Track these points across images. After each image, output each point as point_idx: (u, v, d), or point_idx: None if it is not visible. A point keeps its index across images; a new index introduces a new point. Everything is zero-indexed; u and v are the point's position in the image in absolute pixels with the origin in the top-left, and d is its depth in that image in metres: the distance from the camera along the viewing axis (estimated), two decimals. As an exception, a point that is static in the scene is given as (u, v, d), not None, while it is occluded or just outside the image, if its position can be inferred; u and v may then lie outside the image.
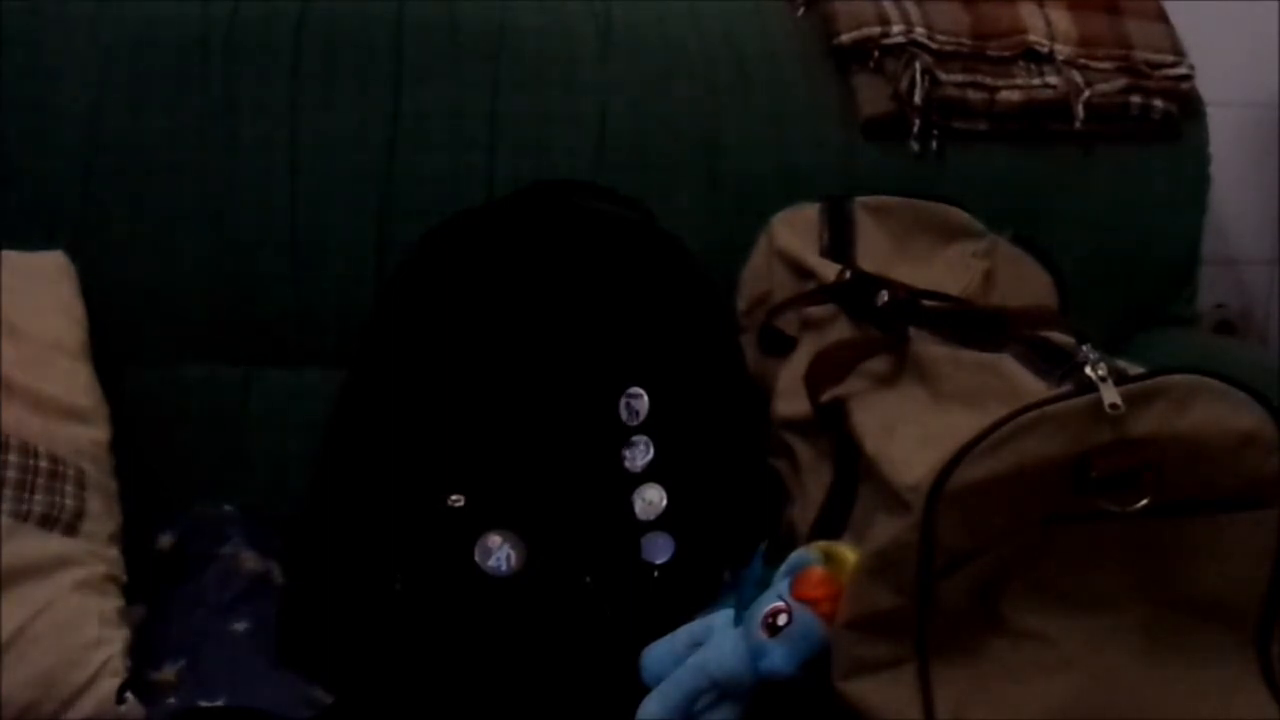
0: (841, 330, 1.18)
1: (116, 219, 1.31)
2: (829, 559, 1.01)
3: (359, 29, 1.35)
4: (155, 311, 1.33)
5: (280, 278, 1.34)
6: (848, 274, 1.21)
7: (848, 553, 1.00)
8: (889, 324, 1.13)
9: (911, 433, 1.01)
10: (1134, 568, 0.95)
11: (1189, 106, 1.50)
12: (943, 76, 1.41)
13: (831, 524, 1.08)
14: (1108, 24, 1.48)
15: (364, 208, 1.34)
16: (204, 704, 1.02)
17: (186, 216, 1.32)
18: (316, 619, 1.11)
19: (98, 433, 1.12)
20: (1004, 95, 1.43)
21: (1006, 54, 1.44)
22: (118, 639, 1.02)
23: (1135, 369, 0.97)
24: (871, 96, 1.42)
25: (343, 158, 1.34)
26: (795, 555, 1.03)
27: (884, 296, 1.15)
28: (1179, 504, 0.94)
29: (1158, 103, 1.47)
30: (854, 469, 1.07)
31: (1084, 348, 0.98)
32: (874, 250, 1.26)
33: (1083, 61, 1.45)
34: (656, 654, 1.05)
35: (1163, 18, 1.51)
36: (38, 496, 1.03)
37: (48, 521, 1.03)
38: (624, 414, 1.18)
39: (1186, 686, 0.96)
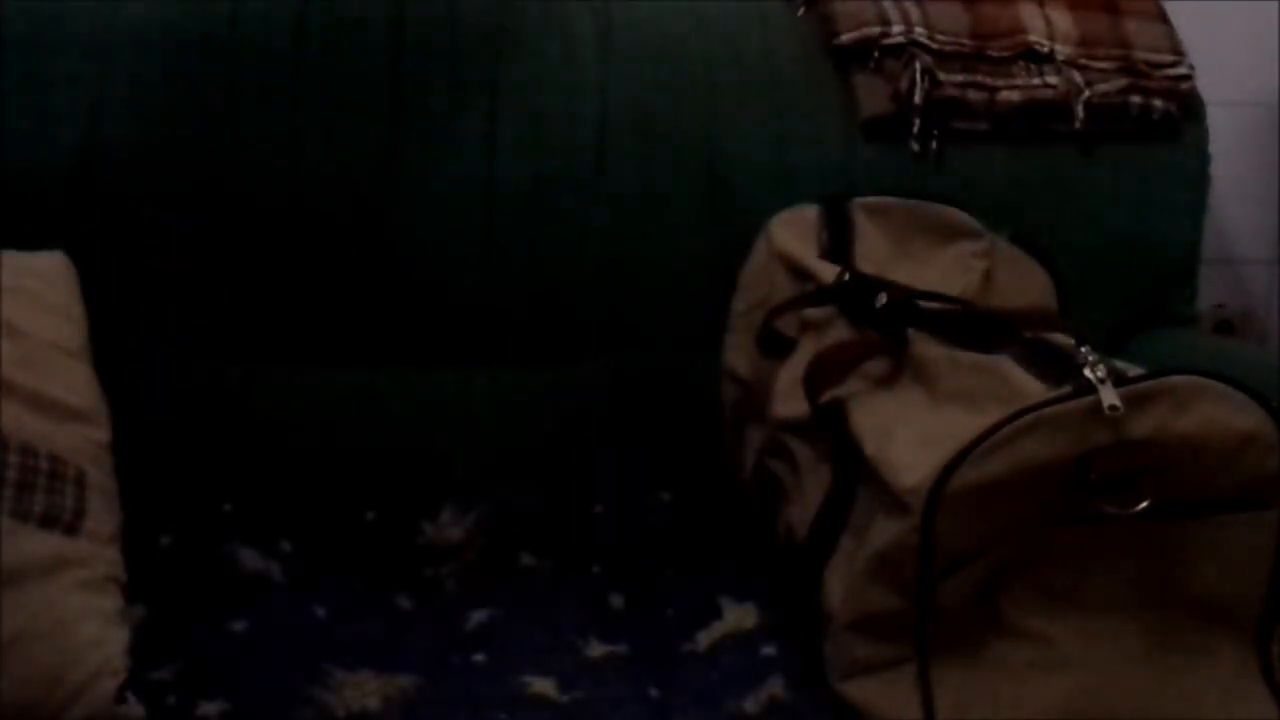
0: (840, 332, 1.18)
1: (117, 219, 1.31)
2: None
3: (359, 29, 1.35)
4: (156, 311, 1.33)
5: (281, 277, 1.34)
6: (847, 275, 1.21)
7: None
8: (888, 325, 1.13)
9: (911, 434, 1.01)
10: (1134, 569, 0.95)
11: (1189, 106, 1.49)
12: (943, 76, 1.41)
13: (830, 526, 1.08)
14: (1108, 24, 1.48)
15: (365, 208, 1.34)
16: (204, 704, 1.02)
17: (186, 217, 1.32)
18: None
19: (98, 433, 1.12)
20: (1004, 95, 1.43)
21: (1006, 54, 1.44)
22: (118, 639, 1.02)
23: (1135, 370, 0.97)
24: (871, 96, 1.42)
25: (343, 158, 1.34)
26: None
27: (883, 298, 1.15)
28: (1179, 505, 0.94)
29: (1158, 103, 1.47)
30: (853, 471, 1.06)
31: (1083, 349, 0.97)
32: (873, 251, 1.26)
33: (1083, 61, 1.45)
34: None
35: (1163, 18, 1.50)
36: (38, 497, 1.03)
37: (48, 521, 1.03)
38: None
39: (1186, 686, 0.96)
